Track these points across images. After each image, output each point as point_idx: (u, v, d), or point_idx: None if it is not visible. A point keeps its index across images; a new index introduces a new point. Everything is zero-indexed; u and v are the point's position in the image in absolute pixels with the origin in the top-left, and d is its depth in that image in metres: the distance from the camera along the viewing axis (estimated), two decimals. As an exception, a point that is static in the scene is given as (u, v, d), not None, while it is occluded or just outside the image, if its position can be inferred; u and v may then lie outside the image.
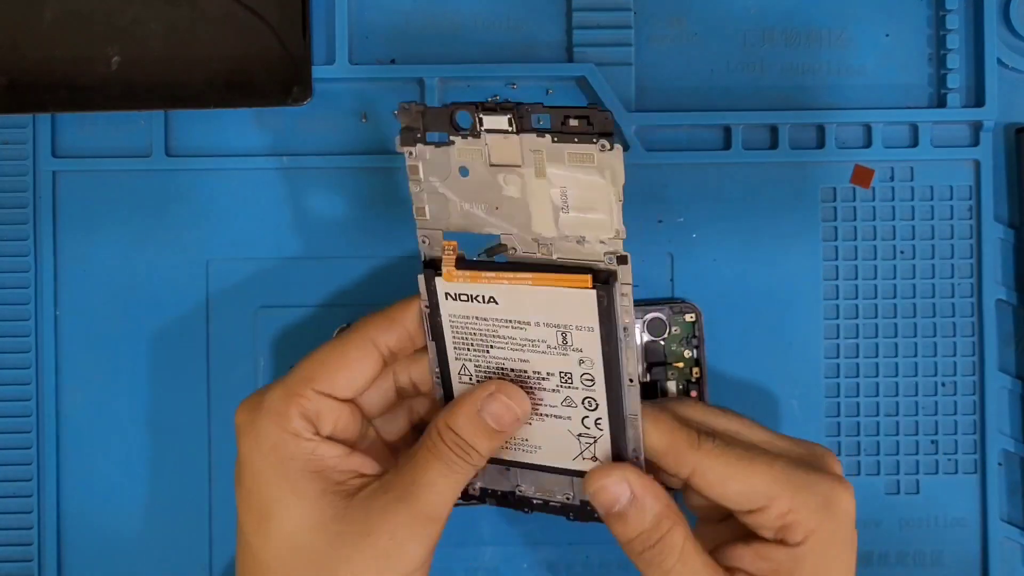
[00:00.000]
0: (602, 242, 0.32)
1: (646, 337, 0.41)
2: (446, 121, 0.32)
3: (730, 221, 0.42)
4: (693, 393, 0.41)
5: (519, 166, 0.32)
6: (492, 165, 0.32)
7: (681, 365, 0.42)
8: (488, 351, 0.34)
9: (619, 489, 0.33)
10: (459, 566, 0.42)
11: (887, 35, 0.43)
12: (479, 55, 0.42)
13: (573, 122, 0.31)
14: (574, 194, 0.32)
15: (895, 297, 0.43)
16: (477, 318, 0.34)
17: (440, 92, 0.42)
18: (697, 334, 0.41)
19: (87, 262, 0.42)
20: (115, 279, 0.42)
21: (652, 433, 0.34)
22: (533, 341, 0.34)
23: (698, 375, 0.41)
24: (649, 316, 0.41)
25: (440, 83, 0.42)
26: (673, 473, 0.34)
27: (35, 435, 0.41)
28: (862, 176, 0.43)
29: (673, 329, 0.42)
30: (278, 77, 0.41)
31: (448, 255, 0.33)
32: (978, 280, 0.43)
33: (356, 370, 0.35)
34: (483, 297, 0.33)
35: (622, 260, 0.32)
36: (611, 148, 0.30)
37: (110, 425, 0.42)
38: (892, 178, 0.43)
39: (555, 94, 0.42)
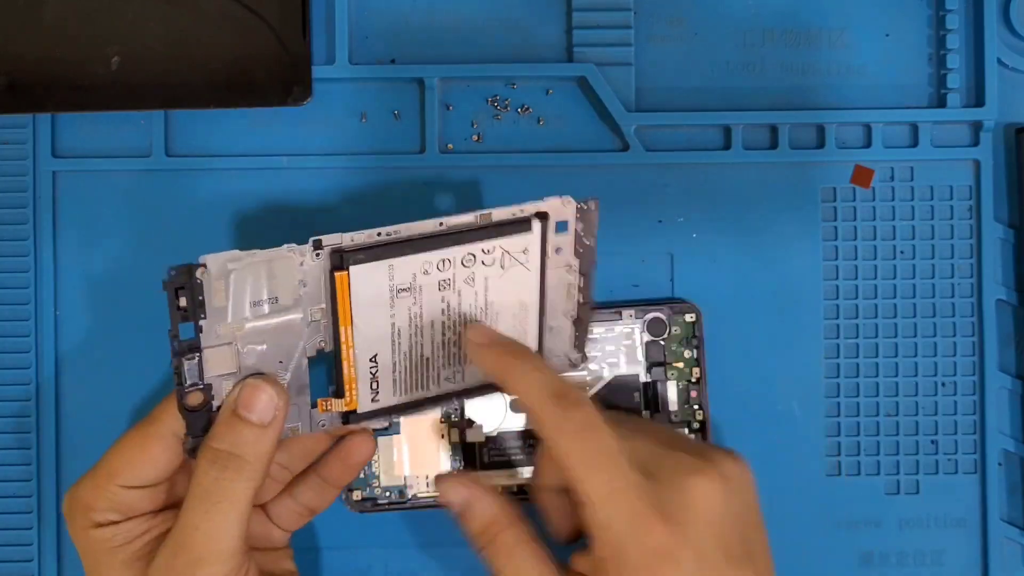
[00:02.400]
0: None
1: (646, 337, 0.41)
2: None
3: (730, 221, 0.42)
4: (693, 393, 0.41)
5: None
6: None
7: (681, 365, 0.42)
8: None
9: (452, 495, 0.36)
10: (459, 566, 0.42)
11: (887, 35, 0.43)
12: (479, 55, 0.42)
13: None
14: None
15: (895, 297, 0.43)
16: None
17: (440, 92, 0.42)
18: (697, 334, 0.41)
19: (87, 262, 0.42)
20: (115, 279, 0.42)
21: (521, 384, 0.35)
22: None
23: (698, 375, 0.41)
24: (649, 316, 0.41)
25: (440, 83, 0.42)
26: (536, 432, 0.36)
27: (35, 435, 0.41)
28: (862, 176, 0.43)
29: (673, 329, 0.42)
30: (278, 77, 0.41)
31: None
32: (978, 280, 0.43)
33: (160, 461, 0.35)
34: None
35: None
36: None
37: (110, 425, 0.42)
38: (892, 178, 0.43)
39: (555, 94, 0.43)
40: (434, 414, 0.41)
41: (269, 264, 0.33)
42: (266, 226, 0.42)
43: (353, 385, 0.36)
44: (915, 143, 0.43)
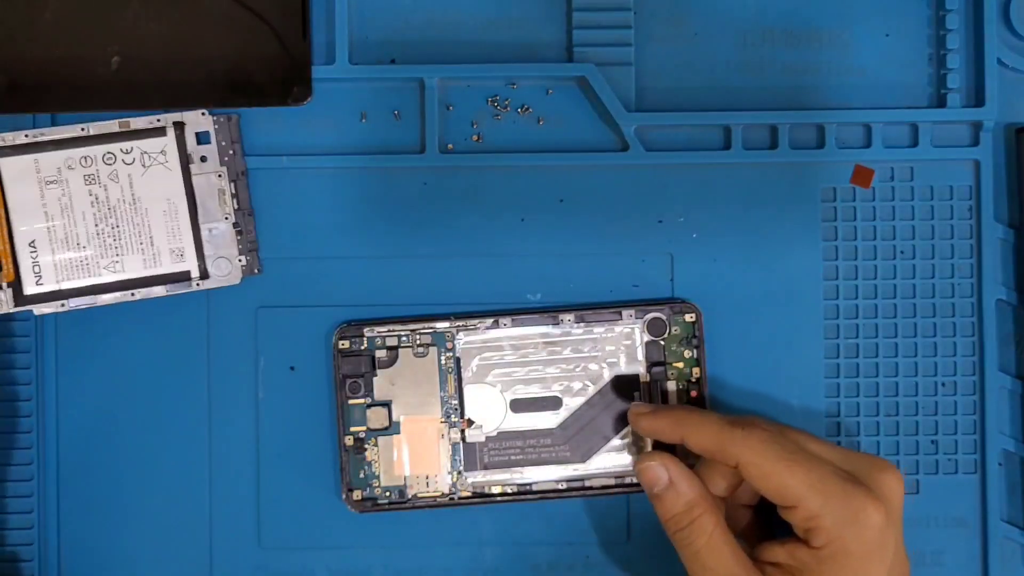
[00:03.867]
0: None
1: (646, 337, 0.41)
2: None
3: (730, 221, 0.42)
4: (693, 393, 0.41)
5: None
6: None
7: (681, 365, 0.42)
8: None
9: (659, 472, 0.38)
10: (459, 566, 0.42)
11: (887, 35, 0.43)
12: (479, 55, 0.42)
13: None
14: None
15: (895, 297, 0.43)
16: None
17: (440, 92, 0.42)
18: (697, 334, 0.41)
19: (87, 262, 0.42)
20: (115, 279, 0.42)
21: (699, 431, 0.37)
22: None
23: (698, 375, 0.42)
24: (649, 316, 0.41)
25: (440, 83, 0.42)
26: (723, 463, 0.37)
27: (36, 435, 0.41)
28: (862, 176, 0.43)
29: (673, 329, 0.42)
30: (278, 77, 0.41)
31: None
32: (978, 280, 0.43)
33: None
34: None
35: None
36: None
37: (110, 425, 0.42)
38: (892, 178, 0.43)
39: (555, 94, 0.43)
40: (434, 414, 0.41)
41: None
42: (267, 226, 0.42)
43: (8, 259, 0.40)
44: (915, 143, 0.43)
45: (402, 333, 0.41)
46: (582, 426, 0.41)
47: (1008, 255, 0.43)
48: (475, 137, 0.42)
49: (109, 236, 0.41)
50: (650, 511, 0.41)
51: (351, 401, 0.41)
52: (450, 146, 0.42)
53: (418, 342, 0.41)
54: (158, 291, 0.41)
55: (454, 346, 0.41)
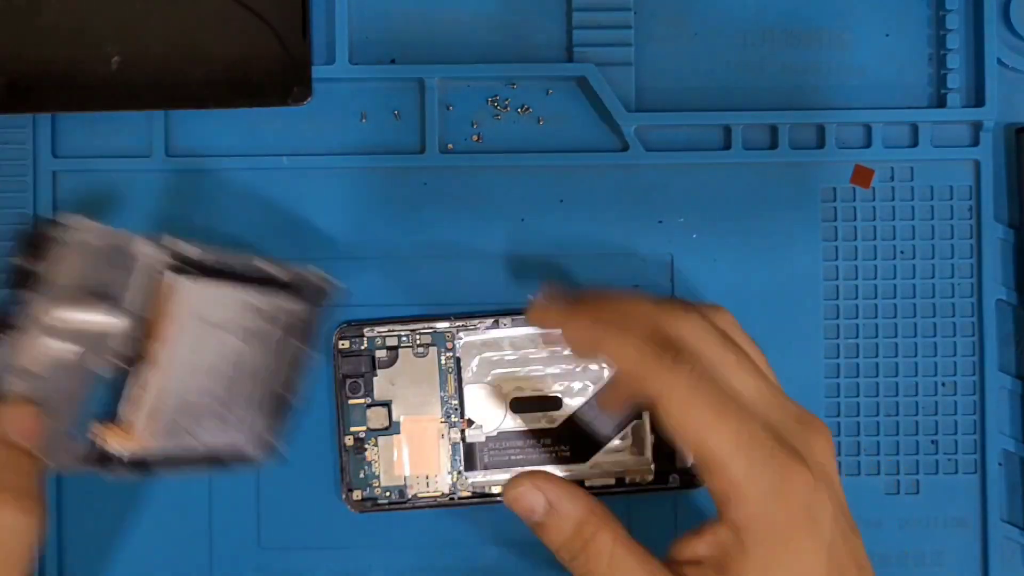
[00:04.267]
0: None
1: (646, 337, 0.41)
2: None
3: (730, 221, 0.42)
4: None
5: None
6: None
7: (681, 365, 0.42)
8: None
9: (533, 498, 0.32)
10: (459, 566, 0.42)
11: (887, 35, 0.43)
12: (479, 55, 0.42)
13: None
14: None
15: (895, 297, 0.43)
16: None
17: (440, 92, 0.42)
18: (697, 334, 0.41)
19: (87, 262, 0.42)
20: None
21: (619, 349, 0.31)
22: None
23: (698, 375, 0.41)
24: (649, 316, 0.41)
25: (440, 83, 0.42)
26: (640, 396, 0.31)
27: (35, 435, 0.41)
28: (862, 176, 0.43)
29: (673, 329, 0.42)
30: (278, 77, 0.41)
31: None
32: (978, 280, 0.43)
33: None
34: None
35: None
36: None
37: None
38: (892, 178, 0.43)
39: (555, 94, 0.43)
40: (434, 414, 0.41)
41: (111, 249, 0.31)
42: (266, 227, 0.42)
43: (136, 417, 0.33)
44: (915, 143, 0.43)
45: (402, 333, 0.41)
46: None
47: (1008, 255, 0.43)
48: (475, 137, 0.42)
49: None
50: (650, 511, 0.41)
51: (351, 401, 0.41)
52: (450, 146, 0.42)
53: (418, 342, 0.41)
54: None
55: (454, 346, 0.41)
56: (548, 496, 0.32)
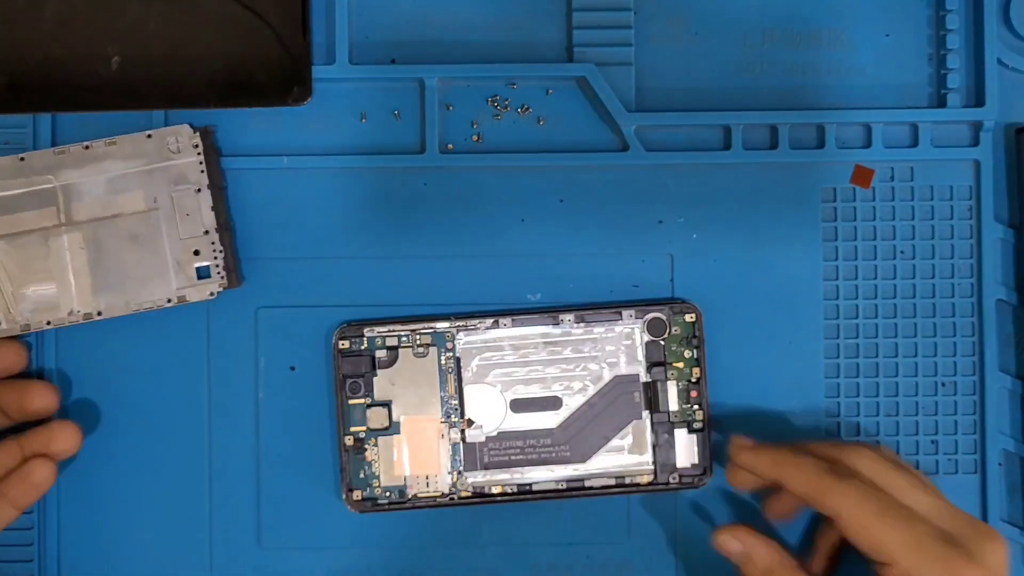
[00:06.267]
0: None
1: (646, 337, 0.41)
2: None
3: (730, 221, 0.42)
4: (693, 393, 0.41)
5: None
6: None
7: (681, 365, 0.42)
8: None
9: (731, 546, 0.39)
10: (459, 566, 0.42)
11: (887, 35, 0.43)
12: (479, 55, 0.42)
13: None
14: None
15: (895, 297, 0.43)
16: None
17: (440, 92, 0.42)
18: (697, 334, 0.41)
19: (87, 262, 0.42)
20: (115, 279, 0.42)
21: (797, 475, 0.37)
22: None
23: (698, 375, 0.42)
24: (649, 316, 0.41)
25: (440, 83, 0.42)
26: (819, 510, 0.37)
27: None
28: (862, 176, 0.43)
29: (673, 329, 0.42)
30: (278, 77, 0.41)
31: None
32: (978, 280, 0.43)
33: None
34: None
35: None
36: None
37: (111, 424, 0.42)
38: (892, 178, 0.43)
39: (555, 94, 0.43)
40: (434, 414, 0.41)
41: None
42: (267, 226, 0.42)
43: None
44: (915, 143, 0.43)
45: (402, 333, 0.41)
46: (582, 426, 0.41)
47: (1008, 255, 0.43)
48: (475, 137, 0.42)
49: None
50: (650, 511, 0.41)
51: (351, 401, 0.41)
52: (450, 146, 0.42)
53: (418, 342, 0.41)
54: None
55: (454, 346, 0.41)
56: (746, 545, 0.39)
